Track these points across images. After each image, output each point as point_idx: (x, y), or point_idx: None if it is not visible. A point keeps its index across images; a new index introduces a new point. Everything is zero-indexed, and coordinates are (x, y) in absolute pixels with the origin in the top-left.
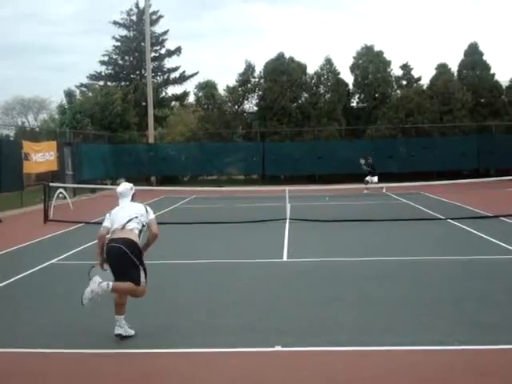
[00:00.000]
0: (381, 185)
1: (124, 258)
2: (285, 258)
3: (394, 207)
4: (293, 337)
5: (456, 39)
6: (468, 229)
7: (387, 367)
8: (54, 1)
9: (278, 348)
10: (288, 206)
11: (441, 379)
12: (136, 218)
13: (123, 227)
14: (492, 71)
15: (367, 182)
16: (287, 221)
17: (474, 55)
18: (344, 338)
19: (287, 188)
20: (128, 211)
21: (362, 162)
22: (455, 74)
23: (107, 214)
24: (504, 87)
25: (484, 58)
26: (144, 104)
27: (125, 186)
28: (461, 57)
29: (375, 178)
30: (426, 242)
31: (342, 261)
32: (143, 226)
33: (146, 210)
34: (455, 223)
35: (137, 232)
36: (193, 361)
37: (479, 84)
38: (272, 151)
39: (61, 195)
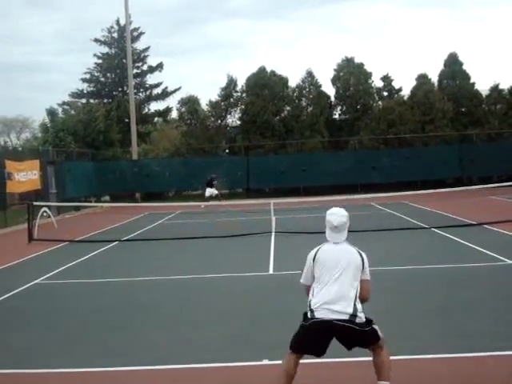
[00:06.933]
0: (203, 203)
1: None
2: (271, 271)
3: (378, 217)
4: (280, 350)
5: (435, 50)
6: (452, 237)
7: (374, 377)
8: (34, 21)
9: (266, 361)
10: (273, 218)
11: None
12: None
13: None
14: (472, 80)
15: (207, 198)
16: (273, 234)
17: (453, 65)
18: (331, 350)
19: (272, 201)
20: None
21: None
22: (435, 84)
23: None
24: (484, 96)
25: (464, 67)
26: (127, 120)
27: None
28: (441, 67)
29: (213, 190)
30: (410, 251)
31: None
32: None
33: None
34: (439, 232)
35: None
36: (178, 378)
37: (459, 93)
38: (256, 165)
39: (45, 214)
